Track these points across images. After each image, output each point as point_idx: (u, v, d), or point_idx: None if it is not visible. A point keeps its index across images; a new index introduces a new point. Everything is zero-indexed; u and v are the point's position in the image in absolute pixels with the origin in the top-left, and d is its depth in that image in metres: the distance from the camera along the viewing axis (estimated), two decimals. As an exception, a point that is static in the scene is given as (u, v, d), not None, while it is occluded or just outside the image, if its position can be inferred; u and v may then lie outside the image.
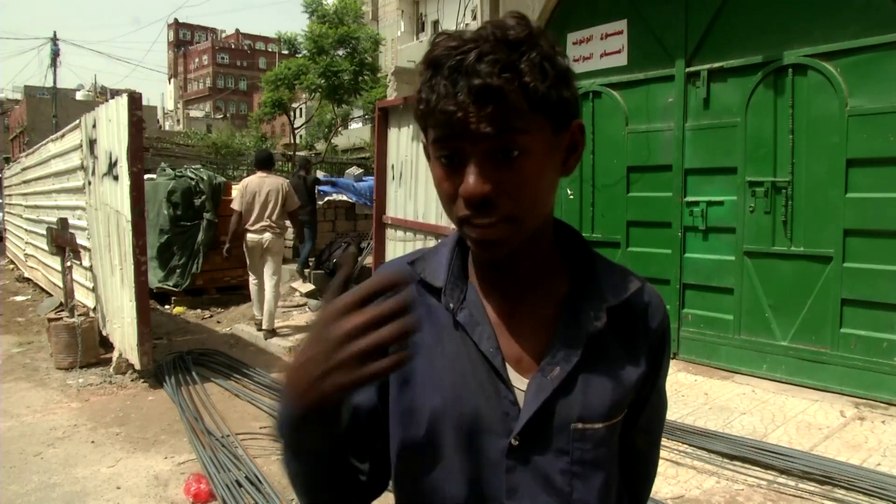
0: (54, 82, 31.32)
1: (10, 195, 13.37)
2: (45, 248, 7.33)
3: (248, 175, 10.54)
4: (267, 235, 6.21)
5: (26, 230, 10.47)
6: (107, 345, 5.85)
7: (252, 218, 6.19)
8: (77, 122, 6.71)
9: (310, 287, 8.60)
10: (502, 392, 0.81)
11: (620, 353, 0.85)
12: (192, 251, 8.30)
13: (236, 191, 6.51)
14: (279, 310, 7.21)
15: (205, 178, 8.54)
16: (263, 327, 6.40)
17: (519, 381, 0.82)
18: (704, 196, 4.80)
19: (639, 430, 0.90)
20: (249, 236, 6.23)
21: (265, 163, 6.59)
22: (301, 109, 26.10)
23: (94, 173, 6.00)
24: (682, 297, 4.95)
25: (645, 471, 0.97)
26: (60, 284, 6.57)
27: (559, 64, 0.76)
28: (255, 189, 6.22)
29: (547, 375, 0.81)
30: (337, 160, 21.25)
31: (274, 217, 6.23)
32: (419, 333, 0.81)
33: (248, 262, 6.42)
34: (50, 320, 5.90)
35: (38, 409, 4.65)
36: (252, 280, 6.45)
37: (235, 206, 6.26)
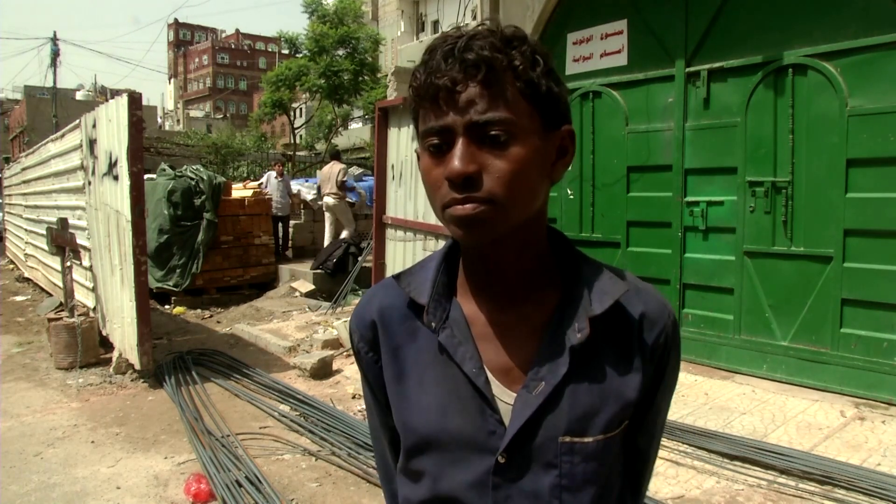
0: (54, 82, 31.26)
1: (10, 195, 13.36)
2: (45, 248, 7.33)
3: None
4: (329, 199, 9.51)
5: (26, 230, 10.47)
6: (107, 345, 5.85)
7: (324, 189, 9.58)
8: (77, 122, 6.71)
9: (310, 287, 8.61)
10: (487, 411, 0.80)
11: (614, 364, 0.82)
12: (192, 251, 8.31)
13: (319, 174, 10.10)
14: (280, 310, 7.75)
15: (205, 178, 8.55)
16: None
17: (506, 395, 0.81)
18: (704, 196, 4.79)
19: (641, 433, 0.89)
20: (323, 200, 9.69)
21: (335, 155, 10.63)
22: (301, 109, 26.11)
23: (94, 173, 6.00)
24: (682, 297, 4.95)
25: (643, 468, 0.95)
26: (60, 284, 6.57)
27: (550, 61, 0.77)
28: (326, 172, 9.67)
29: (532, 391, 0.79)
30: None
31: (332, 188, 9.43)
32: (406, 351, 0.84)
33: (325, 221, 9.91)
34: (50, 320, 5.89)
35: (38, 409, 4.65)
36: (327, 235, 9.83)
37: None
